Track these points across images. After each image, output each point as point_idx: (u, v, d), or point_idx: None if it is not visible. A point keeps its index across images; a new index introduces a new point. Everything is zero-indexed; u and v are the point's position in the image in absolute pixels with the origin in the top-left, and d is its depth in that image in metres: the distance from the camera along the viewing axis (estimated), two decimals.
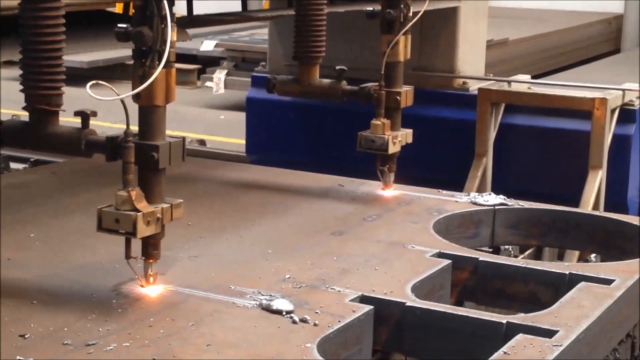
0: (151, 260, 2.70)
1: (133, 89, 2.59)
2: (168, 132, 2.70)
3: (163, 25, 2.56)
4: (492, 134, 5.16)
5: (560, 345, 2.42)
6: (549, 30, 11.16)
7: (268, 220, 3.50)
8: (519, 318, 2.62)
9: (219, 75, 10.68)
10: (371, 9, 3.85)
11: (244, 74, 9.75)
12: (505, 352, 2.36)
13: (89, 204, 3.47)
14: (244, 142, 6.01)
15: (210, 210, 3.58)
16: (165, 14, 2.55)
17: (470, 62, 5.56)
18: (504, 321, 2.57)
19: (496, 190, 4.82)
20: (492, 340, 2.50)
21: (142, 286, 2.72)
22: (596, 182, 4.91)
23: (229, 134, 6.81)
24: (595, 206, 4.87)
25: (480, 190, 4.96)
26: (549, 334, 2.48)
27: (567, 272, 3.00)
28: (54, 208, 3.55)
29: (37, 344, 2.35)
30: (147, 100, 2.62)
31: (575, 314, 2.64)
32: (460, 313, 2.67)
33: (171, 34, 2.56)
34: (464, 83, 5.44)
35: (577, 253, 4.24)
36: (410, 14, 3.78)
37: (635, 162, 5.17)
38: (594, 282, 2.90)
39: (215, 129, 7.20)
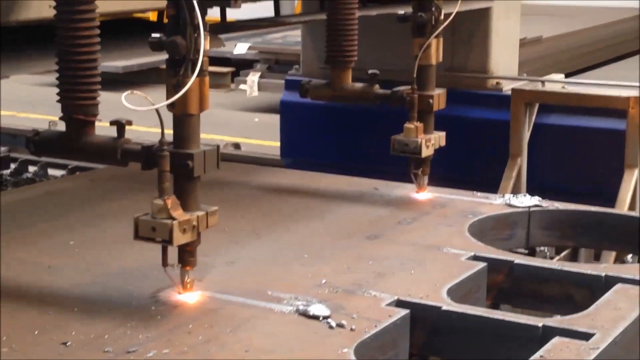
0: (188, 268, 2.72)
1: (167, 98, 2.61)
2: (203, 135, 2.72)
3: (196, 35, 2.58)
4: (527, 134, 5.15)
5: (597, 349, 2.42)
6: (582, 27, 11.09)
7: (303, 225, 3.51)
8: (555, 321, 2.62)
9: (253, 77, 10.69)
10: (402, 12, 3.85)
11: (278, 76, 9.77)
12: (541, 356, 2.36)
13: (126, 211, 3.51)
14: (278, 144, 6.03)
15: (245, 215, 3.60)
16: (198, 23, 2.57)
17: (504, 62, 5.54)
18: (540, 324, 2.56)
19: (531, 190, 4.82)
20: (528, 344, 2.50)
21: (179, 293, 2.74)
22: (632, 181, 4.88)
23: (264, 136, 6.84)
24: (632, 206, 4.85)
25: (515, 190, 4.96)
26: (586, 336, 2.48)
27: (603, 274, 2.98)
28: (92, 215, 3.59)
29: (79, 351, 2.39)
30: (181, 109, 2.64)
31: (612, 316, 2.63)
32: (496, 317, 2.67)
33: (204, 42, 2.58)
34: (498, 83, 5.43)
35: (613, 254, 4.22)
36: (442, 16, 3.78)
37: None
38: (630, 283, 2.88)
39: (249, 131, 7.23)
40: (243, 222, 3.48)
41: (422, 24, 3.77)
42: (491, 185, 4.82)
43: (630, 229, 3.62)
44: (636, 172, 4.90)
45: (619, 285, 2.86)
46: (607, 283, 2.90)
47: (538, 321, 2.59)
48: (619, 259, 4.04)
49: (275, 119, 6.22)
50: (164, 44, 2.62)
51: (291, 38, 10.50)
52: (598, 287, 2.90)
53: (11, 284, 2.84)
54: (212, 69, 2.82)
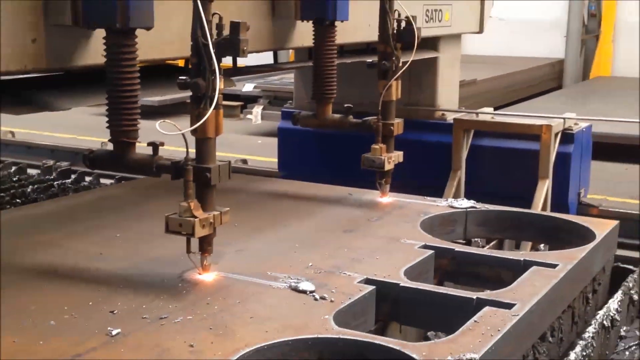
0: (206, 254, 2.73)
1: (191, 126, 2.63)
2: (218, 153, 2.72)
3: (213, 77, 2.60)
4: (465, 153, 5.17)
5: (517, 315, 2.44)
6: (506, 72, 11.19)
7: (295, 222, 3.51)
8: (485, 294, 2.63)
9: (257, 109, 10.72)
10: (370, 60, 3.87)
11: (276, 108, 9.80)
12: (475, 321, 2.38)
13: (159, 211, 3.51)
14: (276, 160, 6.03)
15: (250, 215, 3.59)
16: (214, 68, 2.58)
17: (447, 98, 5.57)
18: (475, 297, 2.58)
19: (468, 195, 4.86)
20: (465, 312, 2.51)
21: (199, 274, 2.75)
22: (544, 189, 4.91)
23: (265, 154, 6.83)
24: (544, 207, 4.88)
25: (456, 195, 4.98)
26: (509, 306, 2.50)
27: (522, 259, 3.01)
28: (133, 214, 3.59)
29: (123, 318, 2.40)
30: (202, 134, 2.65)
31: (529, 291, 2.66)
32: (441, 291, 2.69)
33: (219, 83, 2.59)
34: (443, 114, 5.45)
35: (530, 244, 4.25)
36: (400, 64, 3.80)
37: (574, 174, 5.18)
38: (542, 266, 2.90)
39: (254, 150, 7.24)
40: (249, 220, 3.47)
41: (385, 69, 3.78)
42: (437, 192, 4.83)
43: (543, 225, 3.65)
44: (547, 182, 4.93)
45: (534, 268, 2.88)
46: (525, 265, 2.91)
47: (472, 294, 2.61)
48: (534, 248, 4.06)
49: (274, 141, 6.24)
50: (189, 84, 2.63)
51: (286, 79, 10.55)
52: (518, 269, 2.91)
53: (71, 267, 2.85)
54: (225, 103, 2.83)
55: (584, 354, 2.75)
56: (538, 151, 4.94)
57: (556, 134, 4.99)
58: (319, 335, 2.25)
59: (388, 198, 3.87)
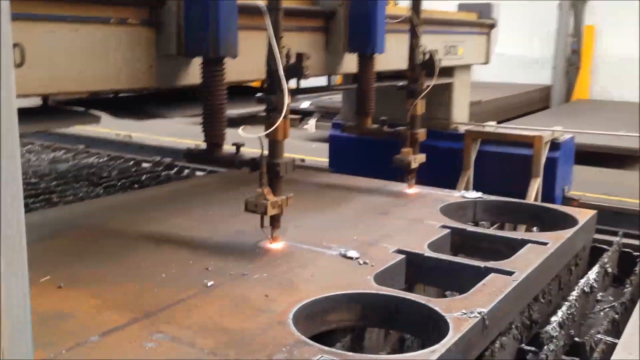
0: (275, 228, 2.76)
1: (265, 131, 2.66)
2: (285, 154, 2.75)
3: (282, 95, 2.62)
4: (473, 156, 5.11)
5: (516, 280, 2.42)
6: (505, 95, 11.04)
7: (341, 205, 3.52)
8: (490, 264, 2.60)
9: (312, 121, 10.76)
10: (401, 83, 3.86)
11: (326, 121, 9.82)
12: (483, 284, 2.37)
13: (238, 197, 3.56)
14: (327, 159, 6.03)
15: (308, 199, 3.60)
16: (283, 88, 2.61)
17: (459, 114, 5.52)
18: (482, 265, 2.56)
19: (475, 189, 4.80)
20: (475, 277, 2.48)
21: (270, 243, 2.77)
22: (535, 186, 4.82)
23: (318, 155, 6.82)
24: (535, 200, 4.80)
25: (466, 189, 4.92)
26: (510, 273, 2.48)
27: (519, 237, 2.96)
28: (219, 198, 3.62)
29: (215, 273, 2.44)
30: (273, 137, 2.68)
31: (525, 262, 2.63)
32: (456, 260, 2.67)
33: (287, 99, 2.62)
34: (456, 126, 5.40)
35: (524, 227, 4.18)
36: (424, 86, 3.78)
37: (559, 174, 5.08)
38: (536, 243, 2.86)
39: (309, 152, 7.24)
40: (306, 203, 3.48)
41: (413, 91, 3.77)
42: (451, 186, 4.80)
43: (536, 212, 3.59)
44: (538, 180, 4.84)
45: (529, 244, 2.84)
46: (522, 243, 2.87)
47: (481, 264, 2.59)
48: (528, 230, 3.99)
49: (325, 146, 6.25)
50: (264, 99, 2.66)
51: (335, 99, 10.55)
52: (516, 245, 2.87)
53: (175, 235, 2.90)
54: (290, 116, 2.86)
55: (569, 312, 2.71)
56: (531, 156, 4.86)
57: (546, 143, 4.90)
58: (362, 291, 2.26)
59: (413, 189, 3.85)
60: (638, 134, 5.46)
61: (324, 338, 2.21)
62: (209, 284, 2.31)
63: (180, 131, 7.64)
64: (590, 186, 5.54)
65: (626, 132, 8.03)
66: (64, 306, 2.10)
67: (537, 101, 13.13)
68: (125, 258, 2.58)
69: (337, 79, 8.06)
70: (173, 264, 2.52)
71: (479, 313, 2.08)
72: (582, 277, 3.21)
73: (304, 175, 4.24)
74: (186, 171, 5.72)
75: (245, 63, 2.99)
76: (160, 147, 6.95)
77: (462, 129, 5.31)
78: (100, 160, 6.14)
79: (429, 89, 3.77)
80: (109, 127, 7.19)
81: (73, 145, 6.73)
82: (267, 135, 2.66)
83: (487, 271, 2.51)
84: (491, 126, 5.36)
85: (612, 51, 13.58)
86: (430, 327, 2.11)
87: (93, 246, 2.72)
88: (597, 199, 5.17)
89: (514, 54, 13.65)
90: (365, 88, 3.80)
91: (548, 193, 4.98)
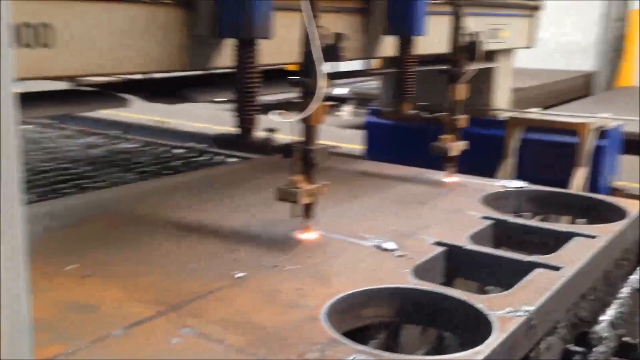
0: (309, 217, 2.65)
1: (299, 116, 2.54)
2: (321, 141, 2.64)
3: (317, 77, 2.50)
4: (515, 144, 4.92)
5: (564, 276, 2.26)
6: (546, 82, 10.72)
7: (378, 194, 3.39)
8: (535, 258, 2.44)
9: (347, 108, 10.63)
10: (443, 67, 3.69)
11: (361, 108, 9.68)
12: (529, 280, 2.21)
13: (269, 183, 3.46)
14: (360, 146, 5.89)
15: (343, 187, 3.49)
16: (319, 71, 2.48)
17: (501, 100, 5.32)
18: (526, 259, 2.41)
19: (516, 177, 4.62)
20: (519, 272, 2.33)
21: (303, 233, 2.66)
22: (581, 174, 4.63)
23: (352, 142, 6.69)
24: (580, 189, 4.60)
25: (506, 178, 4.75)
26: (557, 269, 2.32)
27: (566, 230, 2.79)
28: (252, 185, 3.53)
29: (245, 263, 2.33)
30: (308, 122, 2.56)
31: (573, 257, 2.46)
32: (499, 254, 2.51)
33: (323, 82, 2.49)
34: (497, 113, 5.20)
35: (570, 218, 3.99)
36: (467, 71, 3.61)
37: (606, 163, 4.86)
38: (583, 237, 2.70)
39: (343, 138, 7.11)
40: (342, 191, 3.38)
41: (455, 75, 3.61)
42: (491, 174, 4.64)
43: (582, 203, 3.41)
44: (582, 169, 4.65)
45: (576, 238, 2.67)
46: (569, 236, 2.70)
47: (524, 257, 2.44)
48: (574, 222, 3.79)
49: (358, 132, 6.12)
50: (299, 82, 2.54)
51: (367, 86, 10.41)
52: (562, 237, 2.71)
53: (203, 225, 2.81)
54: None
55: (620, 311, 2.54)
56: (576, 144, 4.65)
57: (592, 130, 4.68)
58: (399, 285, 2.13)
59: (452, 178, 3.69)
60: None
61: (358, 334, 2.10)
62: (238, 275, 2.21)
63: (210, 117, 7.59)
64: (633, 176, 5.31)
65: None
66: (89, 297, 2.03)
67: (579, 88, 12.75)
68: (153, 247, 2.50)
69: (373, 64, 7.89)
70: (202, 254, 2.43)
71: (525, 312, 1.93)
72: (631, 273, 3.03)
73: (337, 163, 4.12)
74: (218, 158, 5.63)
75: (281, 45, 2.88)
76: (194, 134, 6.90)
77: (503, 115, 5.12)
78: (134, 146, 6.11)
79: (470, 73, 3.60)
80: (144, 113, 7.18)
81: (108, 130, 6.73)
82: (302, 120, 2.54)
83: (532, 266, 2.36)
84: (534, 112, 5.15)
85: None
86: (472, 326, 1.97)
87: (120, 233, 2.65)
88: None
89: (555, 38, 13.27)
90: (404, 72, 3.65)
91: (593, 183, 4.78)
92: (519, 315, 1.91)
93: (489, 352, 1.71)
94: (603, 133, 4.81)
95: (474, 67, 3.63)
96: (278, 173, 3.69)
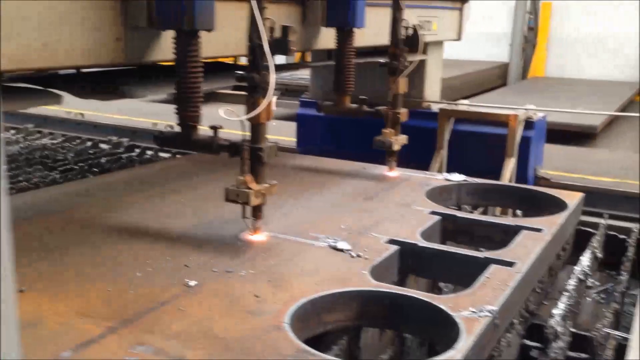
0: (258, 219, 2.54)
1: (247, 113, 2.43)
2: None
3: (266, 72, 2.39)
4: (447, 136, 4.97)
5: (520, 272, 2.27)
6: (464, 72, 11.00)
7: (322, 190, 3.31)
8: (489, 254, 2.43)
9: (274, 99, 10.51)
10: (382, 60, 3.65)
11: (286, 98, 9.55)
12: (487, 278, 2.20)
13: (210, 180, 3.33)
14: (289, 138, 5.78)
15: (285, 184, 3.34)
16: (269, 65, 2.37)
17: (432, 92, 5.36)
18: (482, 256, 2.40)
19: (448, 169, 4.68)
20: (473, 268, 2.32)
21: (252, 234, 2.55)
22: (510, 165, 4.73)
23: (278, 134, 6.57)
24: (510, 180, 4.70)
25: (439, 170, 4.81)
26: (510, 264, 2.32)
27: (512, 224, 2.81)
28: (192, 183, 3.37)
29: (196, 270, 2.21)
30: (256, 120, 2.46)
31: (524, 251, 2.47)
32: (454, 250, 2.48)
33: (273, 78, 2.38)
34: (428, 105, 5.23)
35: (509, 210, 4.05)
36: (407, 63, 3.58)
37: (532, 154, 5.00)
38: (530, 230, 2.71)
39: (272, 131, 7.00)
40: (284, 189, 3.24)
41: (395, 68, 3.57)
42: (425, 166, 4.68)
43: (521, 195, 3.45)
44: (513, 159, 4.75)
45: (524, 231, 2.68)
46: (516, 229, 2.72)
47: (480, 254, 2.42)
48: (512, 214, 3.85)
49: (282, 124, 6.01)
50: (246, 77, 2.42)
51: (295, 75, 10.29)
52: (509, 232, 2.72)
53: (145, 228, 2.65)
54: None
55: (569, 302, 2.59)
56: (506, 135, 4.75)
57: (520, 122, 4.79)
58: (362, 289, 2.07)
59: (394, 172, 3.67)
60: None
61: (317, 340, 2.03)
62: (192, 283, 2.09)
63: (133, 110, 7.25)
64: (552, 164, 5.50)
65: (588, 110, 8.07)
66: (28, 314, 1.85)
67: (495, 78, 13.16)
68: (94, 254, 2.32)
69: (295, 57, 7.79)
70: (149, 260, 2.27)
71: (489, 311, 1.92)
72: (568, 263, 3.11)
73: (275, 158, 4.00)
74: (149, 153, 5.40)
75: (221, 37, 2.75)
76: (116, 127, 6.58)
77: (434, 107, 5.16)
78: (55, 142, 5.75)
79: (413, 65, 3.58)
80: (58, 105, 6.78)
81: (21, 124, 6.30)
82: (250, 118, 2.42)
83: (486, 262, 2.35)
84: (464, 104, 5.22)
85: (567, 29, 13.69)
86: (436, 327, 1.94)
87: (57, 240, 2.45)
88: (566, 178, 5.13)
89: (472, 30, 13.64)
90: (344, 65, 3.58)
91: (521, 173, 4.89)
92: (484, 316, 1.89)
93: (461, 358, 1.68)
94: (530, 124, 4.93)
95: (415, 59, 3.60)
96: (214, 169, 3.56)
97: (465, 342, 1.74)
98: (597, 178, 5.13)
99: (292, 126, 5.79)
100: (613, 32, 13.18)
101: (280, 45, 2.47)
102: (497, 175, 4.66)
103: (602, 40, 13.39)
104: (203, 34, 2.50)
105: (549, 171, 5.24)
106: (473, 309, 1.93)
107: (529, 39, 13.86)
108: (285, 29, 2.46)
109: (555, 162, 5.54)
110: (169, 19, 2.41)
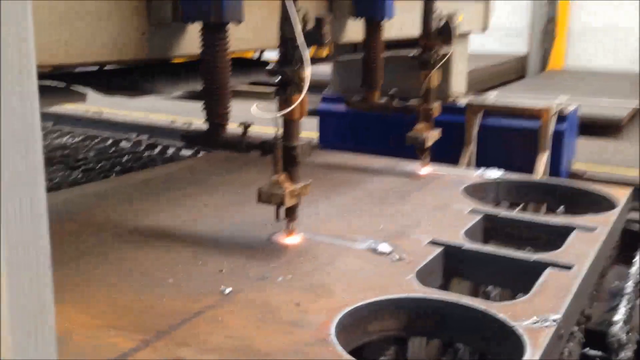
0: (293, 220, 2.40)
1: (279, 109, 2.28)
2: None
3: (300, 66, 2.24)
4: (475, 130, 4.79)
5: (579, 276, 2.10)
6: (483, 66, 10.80)
7: (355, 189, 3.15)
8: (542, 256, 2.26)
9: None
10: (414, 53, 3.49)
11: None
12: (545, 283, 2.03)
13: (235, 180, 3.19)
14: (307, 133, 5.63)
15: (315, 183, 3.21)
16: (304, 59, 2.23)
17: (458, 86, 5.18)
18: (532, 258, 2.23)
19: (477, 164, 4.50)
20: (524, 271, 2.17)
21: (285, 236, 2.41)
22: (543, 160, 4.55)
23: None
24: (543, 175, 4.52)
25: (468, 165, 4.65)
26: (568, 267, 2.15)
27: (563, 223, 2.62)
28: (217, 182, 3.21)
29: (230, 276, 2.07)
30: (290, 116, 2.31)
31: (578, 252, 2.29)
32: (502, 253, 2.30)
33: (307, 72, 2.23)
34: (455, 99, 5.05)
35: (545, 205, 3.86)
36: (440, 56, 3.42)
37: (566, 147, 4.81)
38: (582, 229, 2.53)
39: None
40: (315, 188, 3.08)
41: (426, 61, 3.41)
42: (455, 161, 4.51)
43: (562, 192, 3.27)
44: (546, 154, 4.57)
45: (576, 231, 2.50)
46: (567, 229, 2.54)
47: (530, 256, 2.25)
48: (553, 212, 3.65)
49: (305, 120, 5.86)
50: (278, 72, 2.28)
51: (314, 70, 10.08)
52: (559, 232, 2.55)
53: (172, 231, 2.51)
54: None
55: (629, 306, 2.42)
56: (536, 129, 4.57)
57: (552, 115, 4.61)
58: (410, 295, 1.92)
59: (427, 168, 3.50)
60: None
61: (361, 350, 1.88)
62: (227, 290, 1.95)
63: (148, 108, 7.11)
64: (584, 156, 5.31)
65: (614, 101, 7.85)
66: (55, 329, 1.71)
67: (514, 71, 12.94)
68: (119, 259, 2.19)
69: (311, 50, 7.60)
70: (179, 265, 2.14)
71: (553, 321, 1.76)
72: (614, 264, 2.94)
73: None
74: (170, 151, 5.27)
75: (247, 30, 2.61)
76: (134, 124, 6.45)
77: (462, 101, 4.99)
78: (75, 140, 5.64)
79: (445, 59, 3.41)
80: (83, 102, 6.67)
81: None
82: (283, 115, 2.28)
83: (538, 264, 2.18)
84: (493, 98, 5.05)
85: (588, 20, 13.41)
86: (493, 338, 1.79)
87: (79, 245, 2.32)
88: (602, 172, 4.95)
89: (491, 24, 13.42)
90: (373, 58, 3.43)
91: (554, 168, 4.71)
92: (548, 326, 1.73)
93: None
94: (563, 117, 4.75)
95: (448, 51, 3.44)
96: (238, 168, 3.42)
97: (531, 357, 1.58)
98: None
99: (310, 122, 5.64)
100: (637, 23, 12.88)
101: (313, 38, 2.32)
102: (526, 170, 4.47)
103: (624, 31, 13.09)
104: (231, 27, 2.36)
105: (585, 165, 5.06)
106: (536, 318, 1.77)
107: (547, 30, 13.60)
108: (318, 21, 2.31)
109: (585, 155, 5.36)
110: (195, 11, 2.28)
